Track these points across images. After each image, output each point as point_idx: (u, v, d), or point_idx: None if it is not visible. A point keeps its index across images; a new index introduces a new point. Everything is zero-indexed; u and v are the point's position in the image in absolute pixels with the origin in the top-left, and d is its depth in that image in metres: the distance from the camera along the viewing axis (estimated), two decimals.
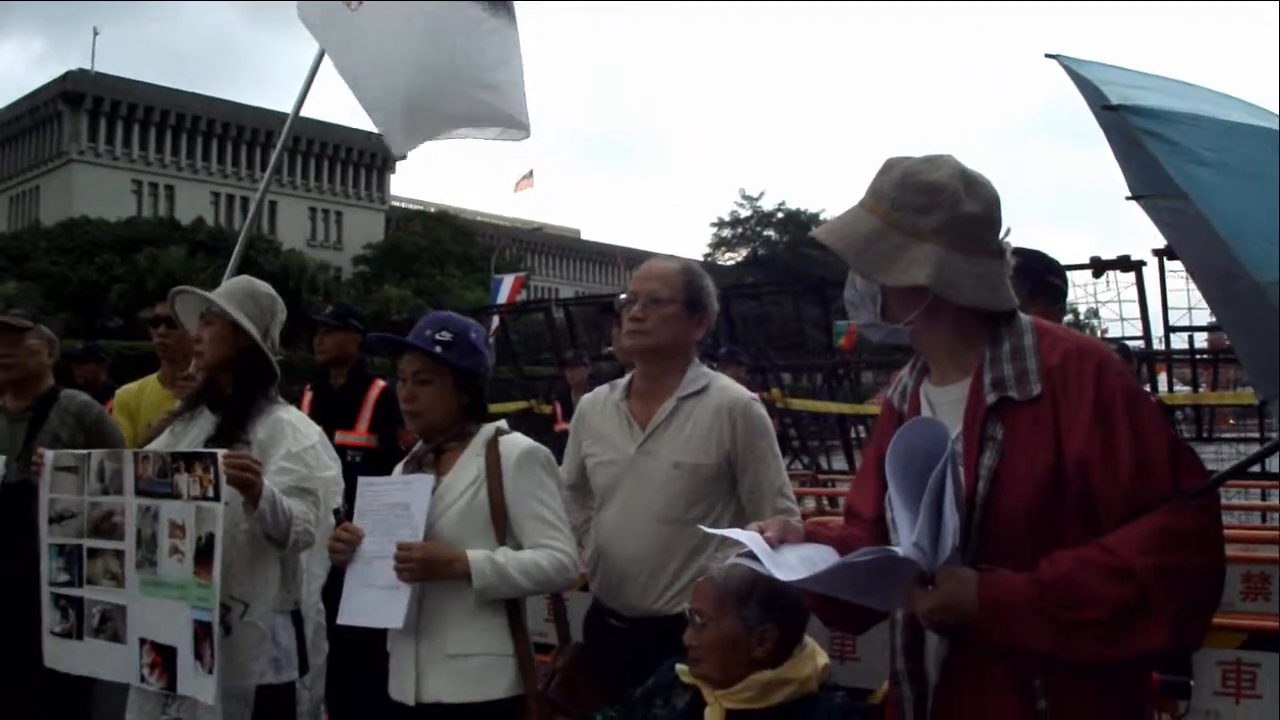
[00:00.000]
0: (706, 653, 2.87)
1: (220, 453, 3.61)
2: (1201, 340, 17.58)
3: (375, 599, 3.46)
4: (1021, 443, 2.23)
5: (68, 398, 5.00)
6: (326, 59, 5.79)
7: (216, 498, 3.59)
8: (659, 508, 3.57)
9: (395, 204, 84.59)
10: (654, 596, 3.55)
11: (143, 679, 3.78)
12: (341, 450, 5.27)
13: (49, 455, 4.12)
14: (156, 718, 3.82)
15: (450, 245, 70.21)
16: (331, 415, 5.87)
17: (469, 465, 3.54)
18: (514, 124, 5.65)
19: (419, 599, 3.48)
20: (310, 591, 4.19)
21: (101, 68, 70.23)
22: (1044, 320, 2.41)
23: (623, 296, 3.75)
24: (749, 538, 2.40)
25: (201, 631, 3.61)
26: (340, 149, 79.30)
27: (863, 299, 2.42)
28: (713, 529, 3.01)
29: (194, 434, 4.03)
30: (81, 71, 69.42)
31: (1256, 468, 10.52)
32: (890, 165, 2.37)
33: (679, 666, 3.00)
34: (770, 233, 78.48)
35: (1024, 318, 2.37)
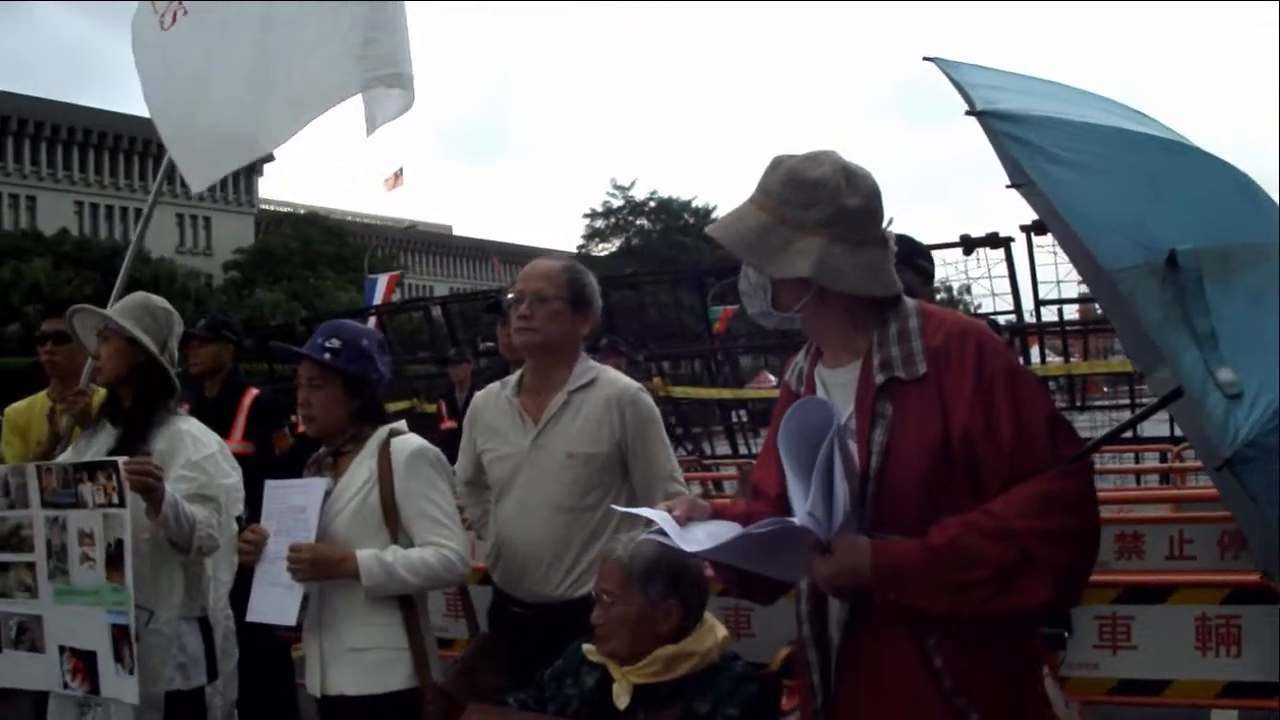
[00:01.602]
0: (614, 630, 3.03)
1: (121, 460, 3.72)
2: (1071, 312, 18.04)
3: (274, 597, 3.61)
4: (909, 419, 2.40)
5: None
6: None
7: (122, 504, 3.70)
8: (555, 497, 3.72)
9: (264, 207, 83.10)
10: (554, 583, 3.70)
11: (65, 685, 3.87)
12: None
13: None
14: None
15: (322, 246, 69.18)
16: (208, 425, 5.96)
17: (362, 467, 3.69)
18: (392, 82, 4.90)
19: (321, 597, 3.64)
20: (218, 597, 4.27)
21: None
22: (929, 304, 2.58)
23: (510, 295, 3.88)
24: (658, 515, 2.54)
25: (120, 634, 3.72)
26: None
27: (755, 289, 2.57)
28: (624, 510, 3.15)
29: (97, 448, 4.10)
30: None
31: (1130, 433, 11.01)
32: (777, 163, 2.52)
33: (586, 646, 3.15)
34: (643, 222, 78.73)
35: (909, 302, 2.54)
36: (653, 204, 78.51)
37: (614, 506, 3.40)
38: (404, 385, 20.73)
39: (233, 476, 4.16)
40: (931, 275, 4.35)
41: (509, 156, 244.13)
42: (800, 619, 2.60)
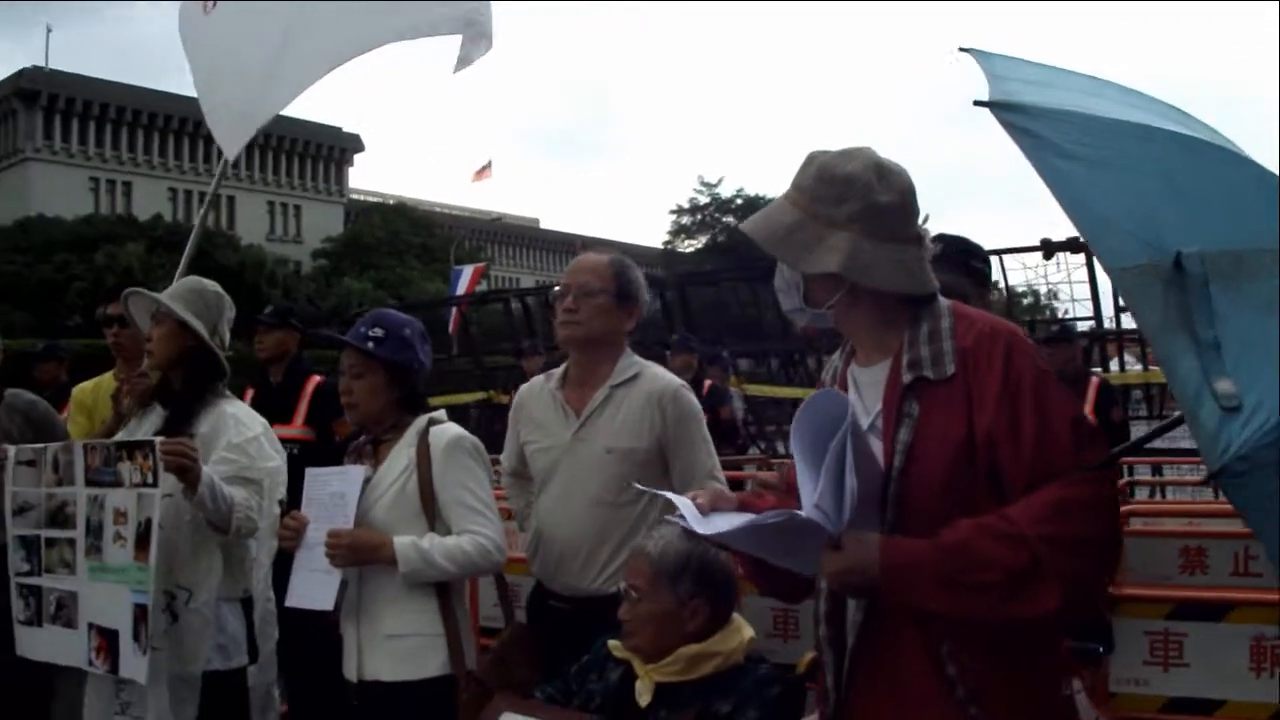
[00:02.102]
0: (640, 626, 3.00)
1: (157, 440, 3.77)
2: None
3: (313, 582, 3.63)
4: (935, 420, 2.35)
5: (13, 396, 5.06)
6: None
7: (155, 484, 3.74)
8: (594, 492, 3.70)
9: (354, 197, 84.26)
10: (591, 577, 3.69)
11: (90, 662, 3.92)
12: (281, 443, 5.43)
13: (11, 450, 4.26)
14: (110, 703, 3.95)
15: (409, 237, 70.06)
16: (270, 410, 6.04)
17: (401, 455, 3.69)
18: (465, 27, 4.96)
19: (360, 584, 3.65)
20: (258, 579, 4.30)
21: (56, 65, 69.62)
22: (962, 304, 2.53)
23: (556, 289, 3.87)
24: (679, 499, 2.52)
25: (140, 614, 3.76)
26: (298, 142, 78.89)
27: (789, 286, 2.55)
28: (647, 490, 3.14)
29: (146, 429, 4.15)
30: (36, 69, 68.67)
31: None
32: (810, 159, 2.49)
33: (611, 642, 3.13)
34: (730, 219, 78.57)
35: (943, 301, 2.49)
36: (739, 201, 78.34)
37: (635, 485, 3.37)
38: (484, 376, 20.88)
39: (275, 460, 4.18)
40: (987, 277, 4.24)
41: (599, 155, 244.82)
42: (818, 619, 2.56)
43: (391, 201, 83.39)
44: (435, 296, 42.45)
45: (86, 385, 5.90)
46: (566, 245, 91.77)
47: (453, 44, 4.87)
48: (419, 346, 3.76)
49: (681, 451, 3.74)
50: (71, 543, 4.03)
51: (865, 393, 2.52)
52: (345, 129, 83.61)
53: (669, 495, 2.61)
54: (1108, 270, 2.04)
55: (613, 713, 2.99)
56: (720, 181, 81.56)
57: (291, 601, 3.76)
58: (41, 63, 69.61)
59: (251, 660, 4.21)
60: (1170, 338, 1.98)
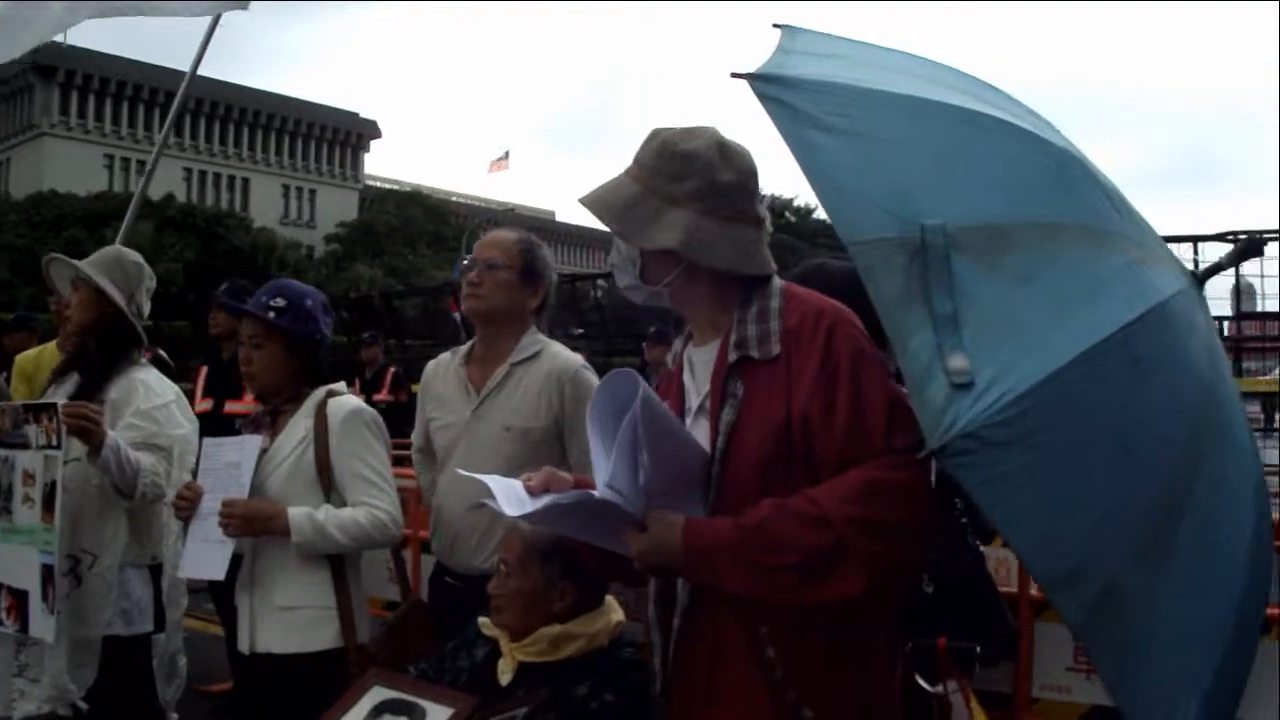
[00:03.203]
0: (508, 603, 2.97)
1: (59, 403, 3.79)
2: (1228, 328, 17.66)
3: (206, 552, 3.60)
4: (758, 400, 2.32)
5: None
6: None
7: (59, 446, 3.77)
8: (491, 470, 3.66)
9: (370, 183, 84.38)
10: (485, 555, 3.64)
11: (1, 622, 3.94)
12: (231, 419, 5.45)
13: None
14: (9, 664, 3.97)
15: (423, 224, 70.04)
16: (222, 386, 6.11)
17: (299, 426, 3.68)
18: None
19: (253, 555, 3.64)
20: (168, 547, 4.30)
21: (74, 41, 69.82)
22: (795, 285, 2.49)
23: (464, 262, 3.85)
24: (491, 479, 2.50)
25: (48, 575, 3.79)
26: (315, 127, 79.24)
27: (625, 262, 2.51)
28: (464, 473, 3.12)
29: (62, 395, 4.14)
30: (53, 44, 68.84)
31: None
32: (653, 135, 2.46)
33: (481, 619, 3.10)
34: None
35: (777, 282, 2.46)
36: None
37: (459, 470, 3.35)
38: None
39: (185, 428, 4.18)
40: None
41: (615, 151, 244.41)
42: (649, 600, 2.54)
43: (407, 189, 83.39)
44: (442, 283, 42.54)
45: (29, 353, 5.95)
46: (581, 238, 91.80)
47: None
48: (321, 318, 3.74)
49: (579, 433, 3.68)
50: None
51: (698, 373, 2.50)
52: (363, 115, 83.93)
53: (482, 477, 2.57)
54: (847, 243, 2.00)
55: (476, 690, 2.94)
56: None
57: (184, 571, 3.78)
58: (60, 38, 69.70)
59: (157, 628, 4.20)
60: (906, 312, 1.95)
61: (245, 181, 74.87)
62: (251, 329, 3.70)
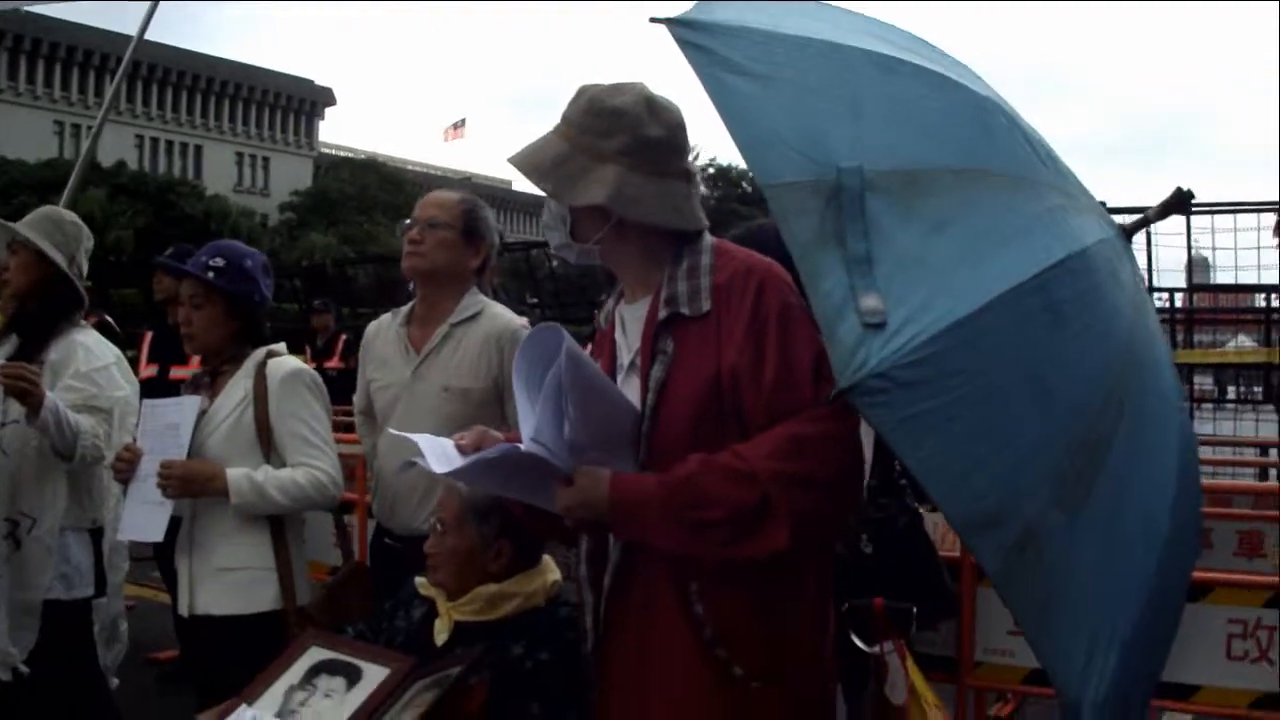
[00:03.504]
0: (444, 561, 2.97)
1: None
2: (1181, 300, 17.79)
3: (145, 514, 3.58)
4: (688, 356, 2.32)
5: None
6: None
7: None
8: (430, 431, 3.65)
9: (324, 150, 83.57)
10: (424, 517, 3.62)
11: None
12: (177, 384, 5.41)
13: None
14: None
15: (378, 193, 69.29)
16: (167, 352, 6.07)
17: (238, 387, 3.66)
18: None
19: (193, 517, 3.63)
20: (108, 510, 4.28)
21: (23, 5, 68.55)
22: (726, 241, 2.49)
23: (406, 221, 3.83)
24: (422, 438, 2.50)
25: None
26: (269, 94, 78.27)
27: (555, 221, 2.50)
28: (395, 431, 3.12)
29: (1, 357, 4.10)
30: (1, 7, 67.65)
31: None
32: (581, 92, 2.45)
33: (418, 579, 3.10)
34: (701, 189, 78.30)
35: (708, 238, 2.46)
36: (711, 170, 77.92)
37: (390, 430, 3.35)
38: None
39: (125, 390, 4.16)
40: None
41: None
42: (579, 559, 2.55)
43: (362, 157, 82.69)
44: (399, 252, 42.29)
45: None
46: (537, 208, 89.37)
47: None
48: (260, 279, 3.72)
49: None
50: None
51: (630, 330, 2.50)
52: (317, 82, 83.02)
53: (412, 436, 2.57)
54: (763, 186, 1.99)
55: (414, 650, 2.93)
56: (694, 151, 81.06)
57: (123, 534, 3.77)
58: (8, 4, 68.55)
59: (98, 592, 4.18)
60: (820, 254, 1.94)
61: (198, 149, 73.93)
62: (191, 289, 3.67)
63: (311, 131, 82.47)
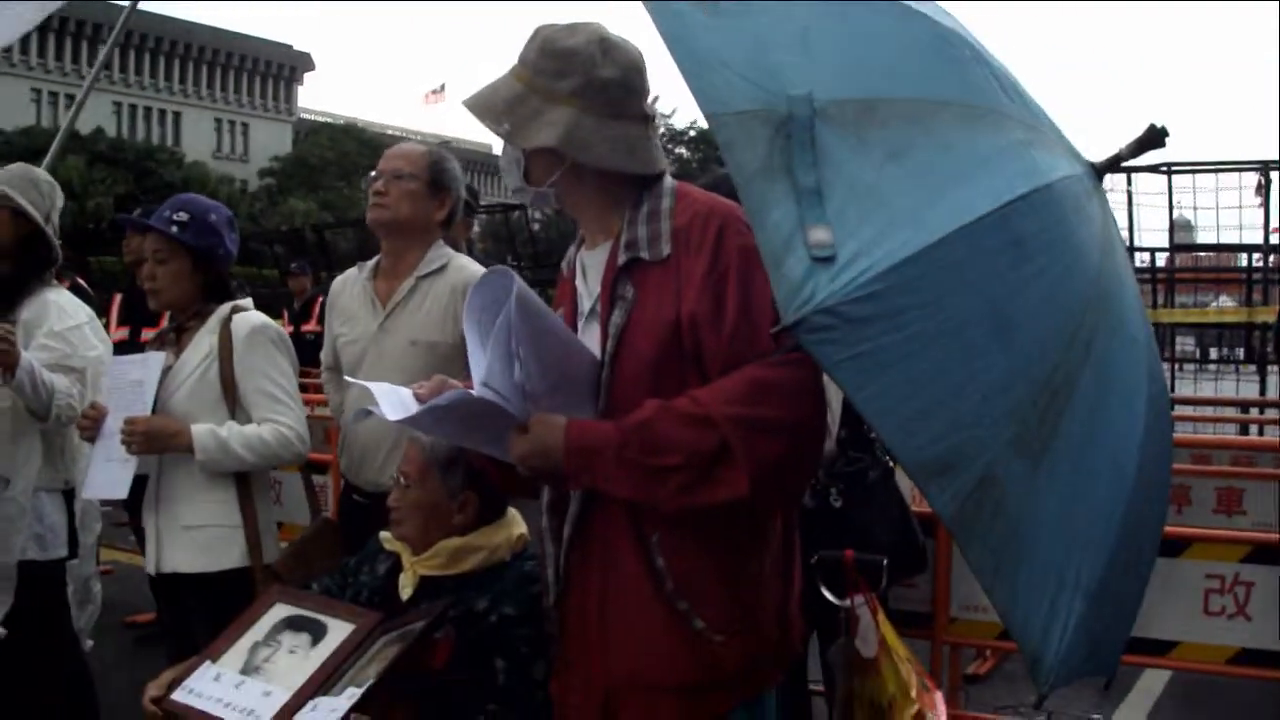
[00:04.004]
0: (408, 514, 2.94)
1: None
2: (1162, 260, 17.74)
3: (110, 472, 3.55)
4: (648, 302, 2.27)
5: None
6: None
7: None
8: (397, 385, 3.63)
9: (303, 116, 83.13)
10: (391, 472, 3.61)
11: None
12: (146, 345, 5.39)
13: None
14: None
15: (358, 158, 68.70)
16: (138, 314, 6.01)
17: (202, 342, 3.63)
18: None
19: (159, 475, 3.61)
20: (80, 471, 4.24)
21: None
22: (687, 185, 2.44)
23: (371, 174, 3.78)
24: (377, 386, 2.46)
25: None
26: (247, 59, 77.82)
27: (510, 164, 2.46)
28: (351, 380, 3.09)
29: None
30: None
31: None
32: (536, 33, 2.40)
33: (382, 534, 3.08)
34: (682, 150, 77.88)
35: (669, 181, 2.41)
36: (692, 133, 77.56)
37: (347, 378, 3.32)
38: None
39: (98, 349, 4.11)
40: None
41: None
42: (542, 510, 2.51)
43: (341, 122, 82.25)
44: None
45: None
46: None
47: None
48: (225, 233, 3.68)
49: None
50: None
51: (590, 276, 2.45)
52: (296, 47, 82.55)
53: (367, 384, 2.54)
54: (708, 116, 1.91)
55: (379, 605, 2.91)
56: (674, 112, 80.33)
57: (87, 492, 3.75)
58: None
59: (71, 553, 4.16)
60: (767, 184, 1.85)
61: (176, 115, 73.48)
62: (155, 244, 3.63)
63: (290, 97, 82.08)
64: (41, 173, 4.28)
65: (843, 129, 1.93)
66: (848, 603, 3.07)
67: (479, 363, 2.27)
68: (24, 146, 50.89)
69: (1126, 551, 2.20)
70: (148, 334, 5.94)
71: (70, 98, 66.94)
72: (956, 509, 1.82)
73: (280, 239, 25.77)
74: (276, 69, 79.91)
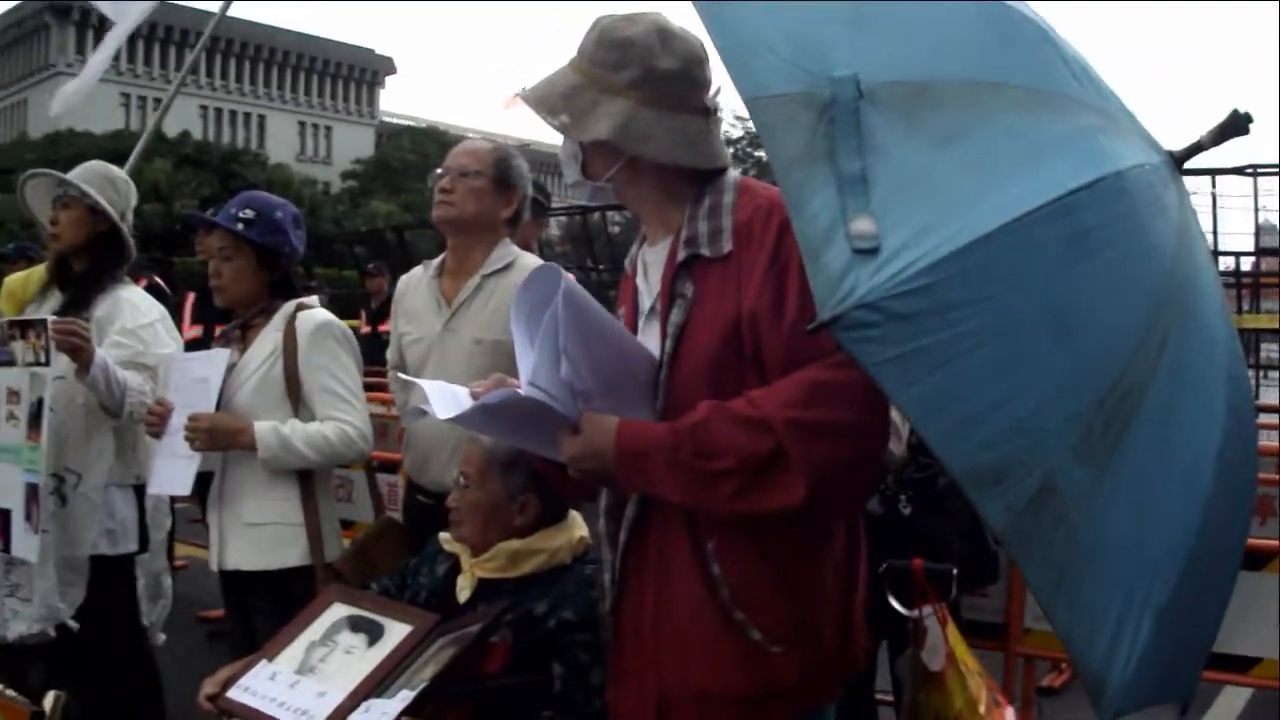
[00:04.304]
0: (467, 515, 2.90)
1: (49, 319, 3.71)
2: (1247, 264, 17.40)
3: (174, 468, 3.57)
4: (708, 300, 2.19)
5: None
6: None
7: (47, 363, 3.70)
8: (461, 384, 3.60)
9: (385, 119, 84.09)
10: (454, 472, 3.60)
11: None
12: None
13: None
14: (1, 584, 3.93)
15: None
16: (211, 312, 6.06)
17: (267, 340, 3.62)
18: None
19: (223, 472, 3.62)
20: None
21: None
22: (751, 180, 2.36)
23: (437, 171, 3.76)
24: (428, 384, 2.41)
25: (32, 494, 3.73)
26: (330, 64, 78.98)
27: (568, 157, 2.40)
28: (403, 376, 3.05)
29: (44, 311, 4.09)
30: None
31: None
32: (595, 22, 2.33)
33: (443, 535, 3.04)
34: (761, 154, 77.70)
35: (732, 175, 2.33)
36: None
37: (399, 374, 3.28)
38: None
39: (170, 347, 4.12)
40: None
41: None
42: (600, 515, 2.43)
43: (423, 125, 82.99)
44: None
45: (18, 275, 5.91)
46: None
47: None
48: (291, 230, 3.67)
49: None
50: None
51: (651, 274, 2.38)
52: (378, 51, 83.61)
53: (416, 380, 2.50)
54: (747, 101, 1.79)
55: (437, 607, 2.88)
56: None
57: (152, 488, 3.77)
58: None
59: (142, 548, 4.18)
60: (808, 170, 1.73)
61: (261, 119, 74.77)
62: (221, 241, 3.64)
63: (373, 100, 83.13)
64: (118, 170, 4.32)
65: (892, 113, 1.81)
66: (916, 613, 2.99)
67: (526, 362, 2.20)
68: (113, 150, 51.84)
69: (1202, 566, 2.04)
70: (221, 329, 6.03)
71: (158, 102, 68.13)
72: (1011, 520, 1.68)
73: (361, 240, 26.07)
74: (359, 73, 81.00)
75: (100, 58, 5.68)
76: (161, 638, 4.73)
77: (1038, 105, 1.97)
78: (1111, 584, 1.82)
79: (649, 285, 2.38)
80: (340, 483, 3.86)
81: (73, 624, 3.89)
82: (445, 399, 2.34)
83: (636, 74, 2.24)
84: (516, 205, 3.70)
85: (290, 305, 3.66)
